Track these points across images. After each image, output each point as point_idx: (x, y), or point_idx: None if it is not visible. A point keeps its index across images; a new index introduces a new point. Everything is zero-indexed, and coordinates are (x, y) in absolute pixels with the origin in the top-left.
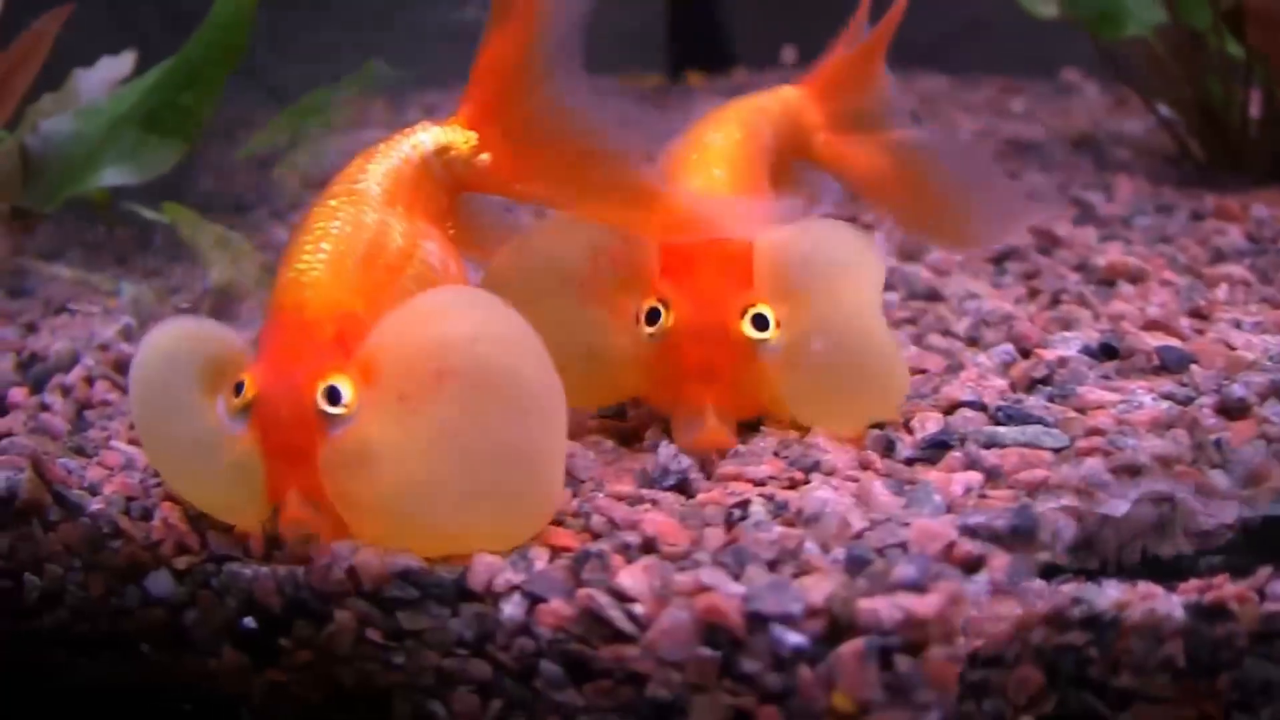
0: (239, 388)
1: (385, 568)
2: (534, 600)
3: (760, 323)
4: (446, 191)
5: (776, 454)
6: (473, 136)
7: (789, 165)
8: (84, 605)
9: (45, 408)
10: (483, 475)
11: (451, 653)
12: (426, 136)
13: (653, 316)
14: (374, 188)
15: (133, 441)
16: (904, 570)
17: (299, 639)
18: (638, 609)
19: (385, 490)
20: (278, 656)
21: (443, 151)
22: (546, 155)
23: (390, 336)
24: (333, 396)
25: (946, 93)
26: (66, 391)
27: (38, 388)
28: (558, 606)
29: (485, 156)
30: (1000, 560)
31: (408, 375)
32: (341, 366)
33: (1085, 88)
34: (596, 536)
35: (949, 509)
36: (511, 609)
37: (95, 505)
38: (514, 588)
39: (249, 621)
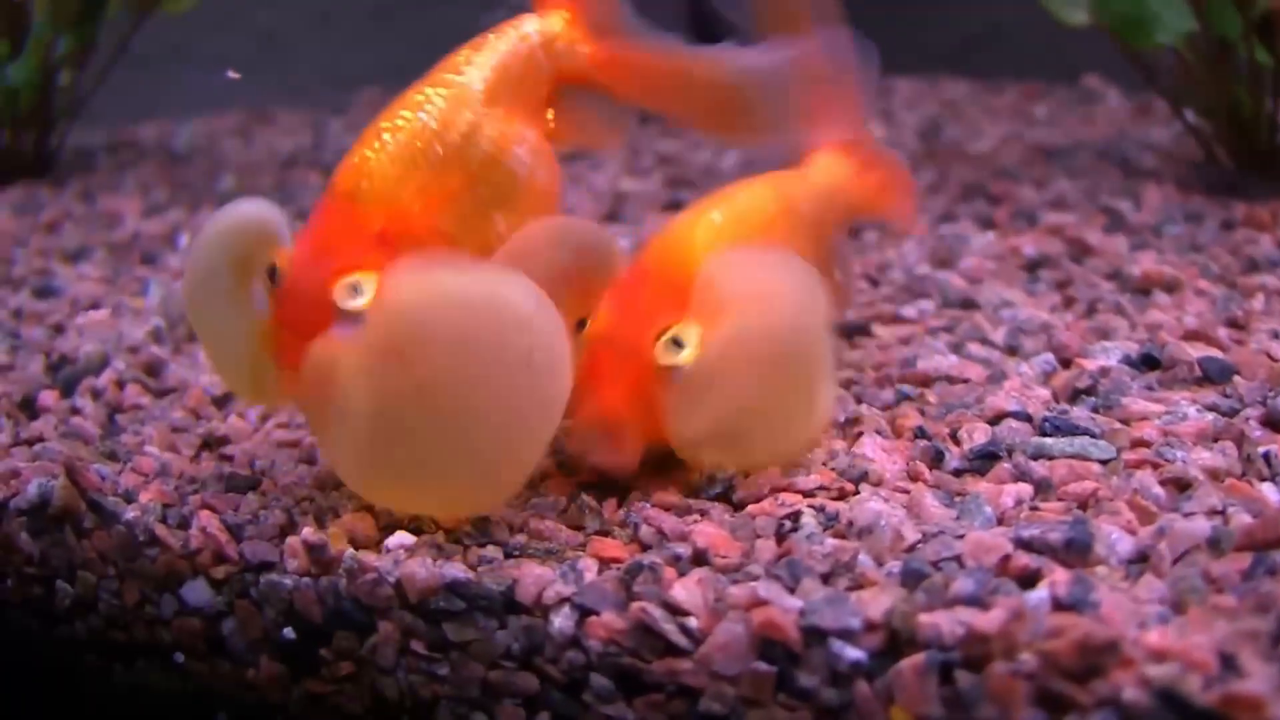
0: (273, 273)
1: (432, 579)
2: (584, 613)
3: (677, 347)
4: (549, 82)
5: (824, 464)
6: (574, 27)
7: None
8: (118, 613)
9: (76, 411)
10: (451, 433)
11: (498, 665)
12: (533, 27)
13: (581, 324)
14: (477, 84)
15: (166, 446)
16: (962, 584)
17: (340, 650)
18: (692, 622)
19: (339, 416)
20: (318, 667)
21: (549, 43)
22: (639, 52)
23: (408, 278)
24: (352, 292)
25: (969, 98)
26: (97, 395)
27: (68, 391)
28: (609, 619)
29: (585, 47)
30: (1061, 575)
31: (405, 322)
32: (376, 264)
33: (1107, 94)
34: (646, 548)
35: (1000, 521)
36: (561, 621)
37: (131, 513)
38: (564, 600)
39: (288, 632)
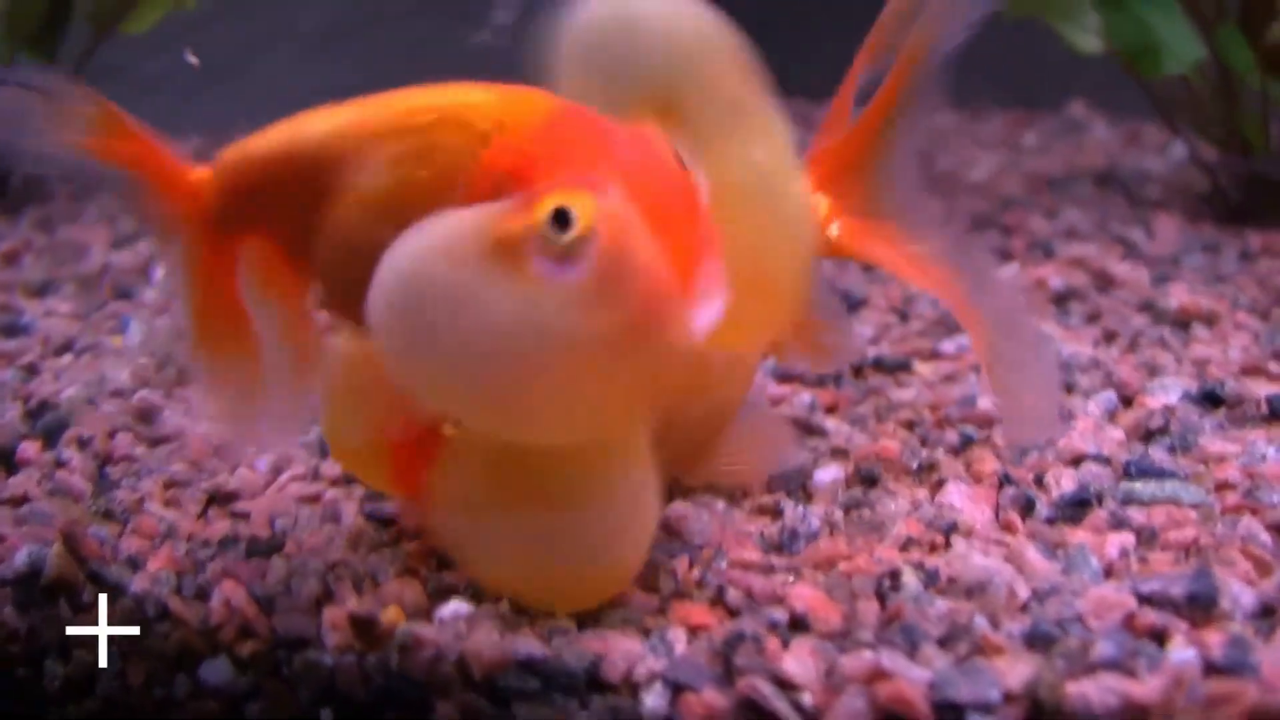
0: (561, 217)
1: (502, 655)
2: (679, 689)
3: None
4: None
5: (909, 514)
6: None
7: None
8: (120, 695)
9: (61, 464)
10: None
11: None
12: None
13: None
14: None
15: (168, 503)
16: (1103, 648)
17: None
18: (805, 698)
19: None
20: None
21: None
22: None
23: None
24: None
25: (956, 127)
26: (84, 445)
27: (51, 441)
28: (710, 697)
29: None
30: (1216, 637)
31: None
32: None
33: (1093, 122)
34: (735, 613)
35: (1108, 574)
36: (653, 700)
37: (139, 584)
38: (655, 676)
39: (326, 714)
